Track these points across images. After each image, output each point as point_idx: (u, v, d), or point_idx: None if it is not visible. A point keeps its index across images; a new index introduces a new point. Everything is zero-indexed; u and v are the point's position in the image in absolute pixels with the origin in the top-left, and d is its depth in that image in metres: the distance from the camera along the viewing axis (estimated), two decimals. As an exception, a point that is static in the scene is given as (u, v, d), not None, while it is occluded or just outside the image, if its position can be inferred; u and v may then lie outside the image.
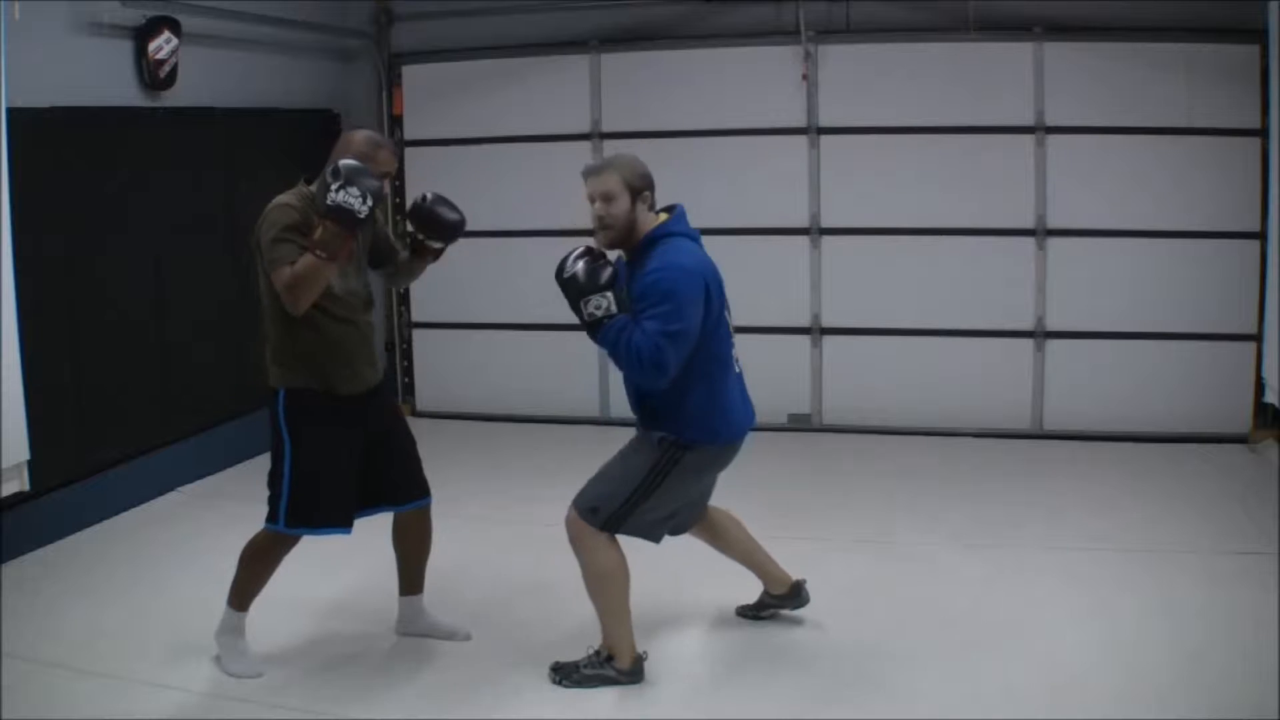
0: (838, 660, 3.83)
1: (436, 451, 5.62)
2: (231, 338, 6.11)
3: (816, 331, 6.80)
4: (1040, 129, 6.37)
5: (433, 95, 7.16)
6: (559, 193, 7.06)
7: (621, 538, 3.70)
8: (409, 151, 7.18)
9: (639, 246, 3.60)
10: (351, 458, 3.73)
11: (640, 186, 3.60)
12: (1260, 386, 5.89)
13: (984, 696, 3.58)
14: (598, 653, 3.73)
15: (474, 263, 7.18)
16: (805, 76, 6.58)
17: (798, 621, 4.12)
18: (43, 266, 4.85)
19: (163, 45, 5.58)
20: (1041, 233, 6.44)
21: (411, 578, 4.03)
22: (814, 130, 6.65)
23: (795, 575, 4.13)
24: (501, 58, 7.05)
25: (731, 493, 5.74)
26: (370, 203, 3.43)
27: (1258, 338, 5.98)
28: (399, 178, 7.09)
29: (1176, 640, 3.93)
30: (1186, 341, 6.34)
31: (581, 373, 7.13)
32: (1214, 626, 4.02)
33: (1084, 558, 4.69)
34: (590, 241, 3.65)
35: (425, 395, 7.43)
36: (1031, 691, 3.60)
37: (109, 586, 4.58)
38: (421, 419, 7.22)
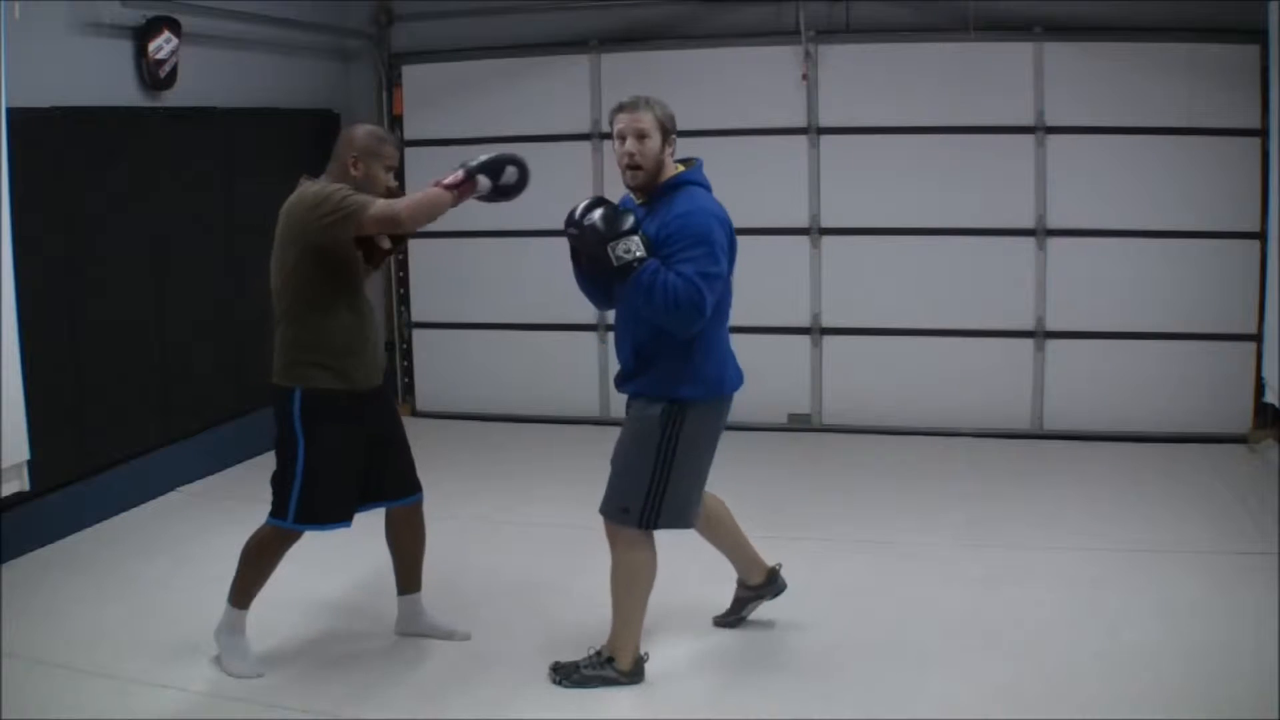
0: (838, 660, 3.83)
1: (436, 451, 5.64)
2: (231, 338, 6.12)
3: (816, 331, 6.80)
4: (1040, 129, 6.37)
5: (433, 95, 7.16)
6: (559, 193, 7.03)
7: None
8: (409, 151, 7.16)
9: (659, 190, 3.57)
10: (359, 454, 3.74)
11: (671, 129, 3.59)
12: (1260, 386, 5.89)
13: (984, 696, 3.58)
14: (598, 653, 3.72)
15: (474, 263, 7.20)
16: (805, 76, 6.58)
17: (798, 622, 4.11)
18: (43, 266, 4.85)
19: (163, 45, 5.58)
20: (1041, 233, 6.44)
21: (408, 575, 4.03)
22: (814, 130, 6.65)
23: (795, 575, 4.12)
24: (501, 58, 7.05)
25: (732, 493, 5.74)
26: (487, 191, 3.70)
27: (1258, 338, 5.98)
28: (399, 178, 7.08)
29: (1176, 640, 3.93)
30: (1186, 341, 6.34)
31: (581, 373, 7.13)
32: (1214, 626, 4.02)
33: (1084, 558, 4.69)
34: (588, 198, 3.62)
35: (425, 395, 7.43)
36: (1031, 691, 3.60)
37: (109, 586, 4.58)
38: (421, 419, 7.23)
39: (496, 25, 7.04)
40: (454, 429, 7.06)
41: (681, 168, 3.64)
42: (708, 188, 3.64)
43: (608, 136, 6.82)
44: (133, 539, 5.14)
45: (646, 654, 3.75)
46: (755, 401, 6.88)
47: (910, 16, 6.52)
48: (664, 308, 3.40)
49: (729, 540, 4.03)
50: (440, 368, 7.41)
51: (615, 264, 3.43)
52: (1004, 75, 6.38)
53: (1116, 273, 6.39)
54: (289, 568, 3.88)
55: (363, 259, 3.76)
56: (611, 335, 7.01)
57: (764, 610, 4.15)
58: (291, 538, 3.75)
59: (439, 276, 7.31)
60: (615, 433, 7.06)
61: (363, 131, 3.72)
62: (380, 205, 3.53)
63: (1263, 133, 5.94)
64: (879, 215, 6.64)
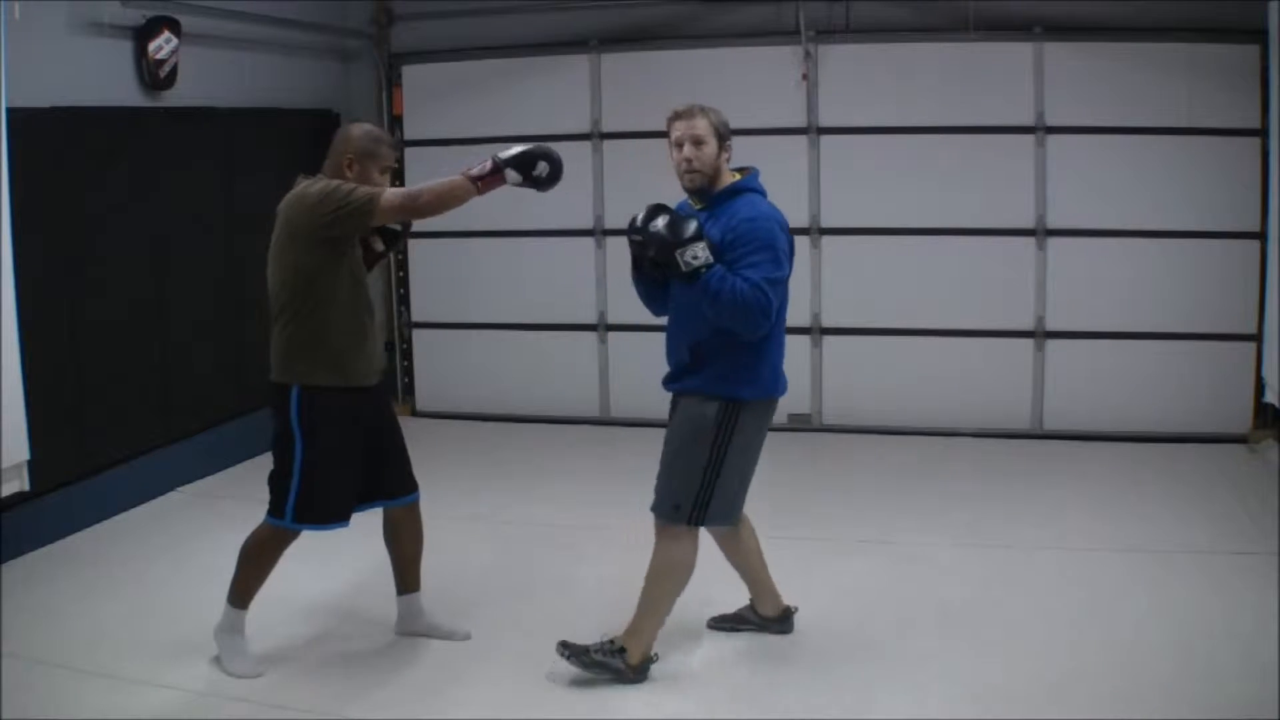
0: (838, 660, 3.83)
1: (436, 451, 5.64)
2: (231, 338, 6.12)
3: (816, 331, 6.80)
4: (1040, 129, 6.37)
5: (433, 95, 7.17)
6: (559, 193, 7.03)
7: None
8: (409, 151, 7.18)
9: (719, 196, 3.61)
10: (358, 453, 3.75)
11: (725, 135, 3.63)
12: (1260, 386, 5.89)
13: (984, 696, 3.58)
14: (611, 642, 3.72)
15: (474, 263, 7.20)
16: (805, 76, 6.58)
17: (798, 622, 4.11)
18: (43, 266, 4.85)
19: (163, 45, 5.58)
20: (1041, 233, 6.44)
21: (407, 575, 4.03)
22: (814, 130, 6.65)
23: (795, 575, 4.12)
24: (501, 58, 7.05)
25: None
26: (517, 179, 3.57)
27: (1258, 338, 5.98)
28: (399, 178, 7.09)
29: (1176, 640, 3.93)
30: (1186, 341, 6.34)
31: (581, 373, 7.13)
32: (1214, 626, 4.02)
33: (1084, 558, 4.70)
34: (641, 210, 3.61)
35: (425, 395, 7.43)
36: (1031, 691, 3.61)
37: (109, 586, 4.58)
38: (421, 419, 7.23)
39: (496, 25, 7.04)
40: (454, 429, 7.06)
41: (738, 175, 3.68)
42: (764, 194, 3.67)
43: (608, 136, 6.96)
44: (133, 539, 5.14)
45: (656, 655, 3.75)
46: (755, 401, 6.96)
47: (910, 16, 6.51)
48: (731, 312, 3.45)
49: (750, 562, 4.02)
50: (440, 368, 7.41)
51: (684, 269, 3.46)
52: (1004, 75, 6.38)
53: (1116, 273, 6.40)
54: (289, 568, 3.88)
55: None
56: (611, 335, 7.09)
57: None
58: (289, 537, 3.75)
59: (439, 276, 7.31)
60: (615, 433, 7.10)
61: (360, 131, 3.71)
62: (397, 191, 3.54)
63: (1263, 133, 5.94)
64: (879, 215, 6.64)
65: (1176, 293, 6.33)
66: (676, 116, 3.63)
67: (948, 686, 3.65)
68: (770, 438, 6.62)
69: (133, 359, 5.55)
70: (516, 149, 3.58)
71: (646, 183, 6.84)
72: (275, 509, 3.71)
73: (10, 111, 4.17)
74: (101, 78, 5.32)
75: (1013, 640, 3.97)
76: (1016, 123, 6.40)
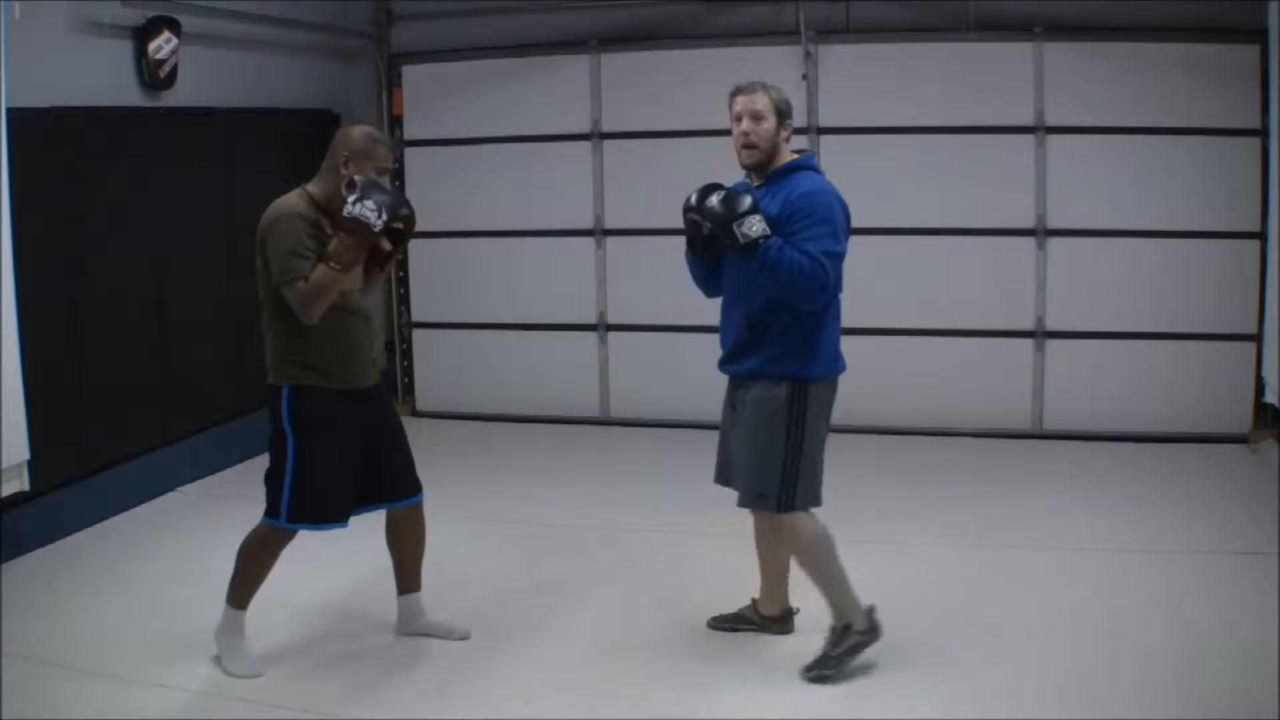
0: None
1: (436, 451, 5.64)
2: (231, 338, 6.11)
3: (816, 331, 6.79)
4: (1040, 129, 6.37)
5: (433, 95, 7.17)
6: (559, 193, 7.09)
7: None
8: (409, 151, 7.18)
9: (777, 172, 3.62)
10: (353, 453, 3.74)
11: (785, 114, 3.64)
12: (1260, 386, 5.89)
13: (984, 696, 3.58)
14: (833, 629, 3.72)
15: (474, 263, 7.21)
16: (805, 76, 6.58)
17: (797, 622, 4.11)
18: (43, 266, 4.85)
19: (163, 45, 5.58)
20: (1041, 233, 6.44)
21: (408, 576, 4.03)
22: (814, 130, 6.65)
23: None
24: (501, 58, 7.05)
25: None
26: (385, 216, 3.48)
27: (1258, 338, 5.98)
28: (399, 178, 7.09)
29: (1176, 640, 3.92)
30: (1186, 341, 6.34)
31: (581, 373, 7.13)
32: (1214, 626, 4.02)
33: (1084, 558, 4.69)
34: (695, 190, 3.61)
35: (425, 395, 7.43)
36: (1031, 691, 3.60)
37: (109, 586, 4.58)
38: (421, 419, 7.23)
39: (496, 25, 7.04)
40: (454, 429, 7.06)
41: (796, 155, 3.69)
42: (821, 174, 3.69)
43: (608, 136, 6.95)
44: (133, 539, 5.14)
45: (873, 606, 3.74)
46: (755, 401, 6.95)
47: (910, 16, 6.52)
48: (790, 283, 3.46)
49: (775, 566, 4.00)
50: (440, 368, 7.41)
51: (742, 241, 3.46)
52: (1004, 75, 6.38)
53: (1116, 273, 6.39)
54: (289, 568, 3.88)
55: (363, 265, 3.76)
56: (611, 335, 7.09)
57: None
58: (286, 537, 3.75)
59: (439, 276, 7.31)
60: (615, 433, 7.09)
61: (358, 132, 3.70)
62: (299, 289, 3.51)
63: (1263, 133, 5.94)
64: (879, 215, 6.62)
65: (1176, 293, 6.33)
66: (738, 91, 3.65)
67: (947, 686, 3.65)
68: (770, 438, 6.68)
69: (133, 359, 5.55)
70: (345, 208, 3.48)
71: (647, 183, 6.94)
72: (271, 509, 3.72)
73: (10, 111, 4.18)
74: (101, 78, 5.32)
75: (1012, 640, 3.96)
76: (1016, 123, 6.40)
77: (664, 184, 6.92)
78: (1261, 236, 5.95)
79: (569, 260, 7.09)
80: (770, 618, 4.04)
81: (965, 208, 6.51)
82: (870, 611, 3.73)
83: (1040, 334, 6.52)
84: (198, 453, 5.97)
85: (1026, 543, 4.90)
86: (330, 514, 3.73)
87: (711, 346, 6.84)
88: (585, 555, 4.88)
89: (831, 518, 5.27)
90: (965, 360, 6.62)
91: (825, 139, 6.64)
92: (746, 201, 3.49)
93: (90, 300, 5.25)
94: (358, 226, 3.46)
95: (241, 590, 3.78)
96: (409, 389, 7.46)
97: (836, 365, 3.69)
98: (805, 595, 4.08)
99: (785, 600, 4.05)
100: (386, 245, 3.77)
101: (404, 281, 7.37)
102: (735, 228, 3.46)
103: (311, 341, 3.62)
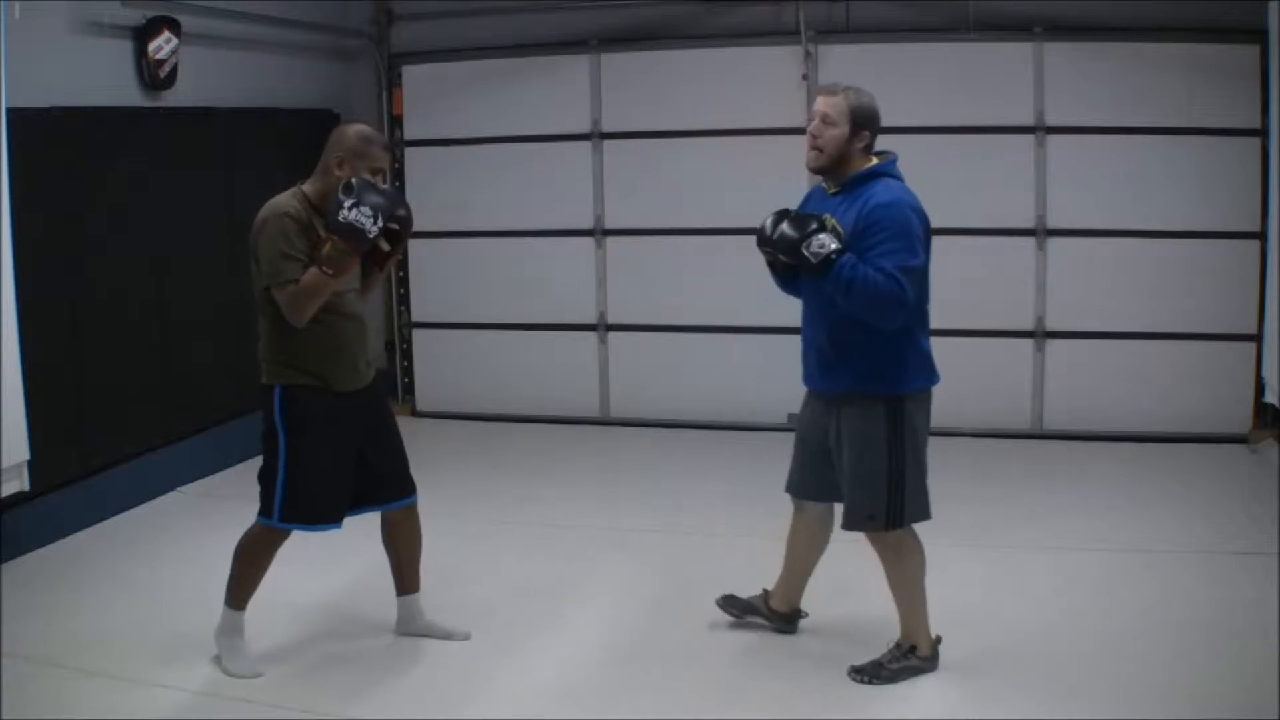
0: (836, 660, 3.82)
1: (436, 451, 5.65)
2: (231, 338, 6.10)
3: (816, 331, 6.79)
4: (1040, 129, 6.37)
5: (433, 95, 7.17)
6: (559, 193, 7.08)
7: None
8: (409, 151, 7.18)
9: (852, 180, 3.56)
10: (346, 454, 3.74)
11: (862, 122, 3.55)
12: (1260, 386, 5.88)
13: (984, 696, 3.58)
14: (899, 645, 3.70)
15: (474, 263, 7.20)
16: (805, 76, 6.58)
17: (801, 625, 4.11)
18: (43, 266, 4.84)
19: (163, 45, 5.58)
20: (1041, 233, 6.44)
21: (406, 576, 4.03)
22: (814, 130, 6.64)
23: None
24: (501, 58, 7.05)
25: (732, 493, 5.75)
26: (380, 222, 3.45)
27: (1258, 338, 5.97)
28: (398, 178, 7.09)
29: (1176, 640, 3.92)
30: (1186, 341, 6.34)
31: (581, 373, 7.13)
32: (1214, 626, 4.02)
33: (1084, 558, 4.69)
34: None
35: (425, 395, 7.43)
36: (1031, 691, 3.60)
37: (109, 586, 4.58)
38: (421, 419, 7.23)
39: (496, 25, 7.04)
40: (454, 429, 7.06)
41: (875, 160, 3.61)
42: (901, 180, 3.62)
43: (608, 136, 6.94)
44: (133, 539, 5.14)
45: (939, 637, 3.73)
46: (755, 401, 6.95)
47: (910, 16, 6.51)
48: (864, 301, 3.40)
49: (802, 561, 3.98)
50: (440, 368, 7.41)
51: (813, 261, 3.41)
52: (1004, 75, 6.38)
53: (1116, 273, 6.39)
54: (288, 568, 3.88)
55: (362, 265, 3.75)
56: (611, 335, 7.09)
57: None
58: (280, 536, 3.75)
59: (439, 276, 7.31)
60: (615, 433, 7.09)
61: (353, 131, 3.68)
62: (289, 291, 3.50)
63: (1263, 133, 5.94)
64: (879, 215, 6.64)
65: (1176, 293, 6.33)
66: (820, 91, 3.62)
67: (947, 686, 3.65)
68: (770, 438, 6.70)
69: (133, 359, 5.55)
70: (340, 213, 3.44)
71: (647, 183, 6.94)
72: (264, 508, 3.71)
73: (10, 111, 4.17)
74: (101, 78, 5.32)
75: (1012, 640, 3.96)
76: (1016, 123, 6.39)
77: (664, 184, 6.97)
78: (1261, 236, 5.95)
79: (569, 260, 7.09)
80: (778, 614, 4.03)
81: (965, 208, 6.49)
82: (936, 642, 3.72)
83: (1040, 334, 6.52)
84: (198, 453, 5.97)
85: (1026, 543, 4.90)
86: (323, 515, 3.73)
87: (712, 346, 6.90)
88: (585, 555, 4.88)
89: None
90: (965, 360, 6.59)
91: (825, 139, 6.63)
92: (811, 223, 3.44)
93: (90, 300, 5.25)
94: (351, 232, 3.43)
95: (239, 591, 3.78)
96: (409, 389, 7.46)
97: (931, 377, 3.64)
98: (781, 556, 4.06)
99: (797, 601, 4.04)
100: (385, 246, 3.76)
101: (404, 281, 7.37)
102: (804, 249, 3.41)
103: (301, 343, 3.61)
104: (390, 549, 4.01)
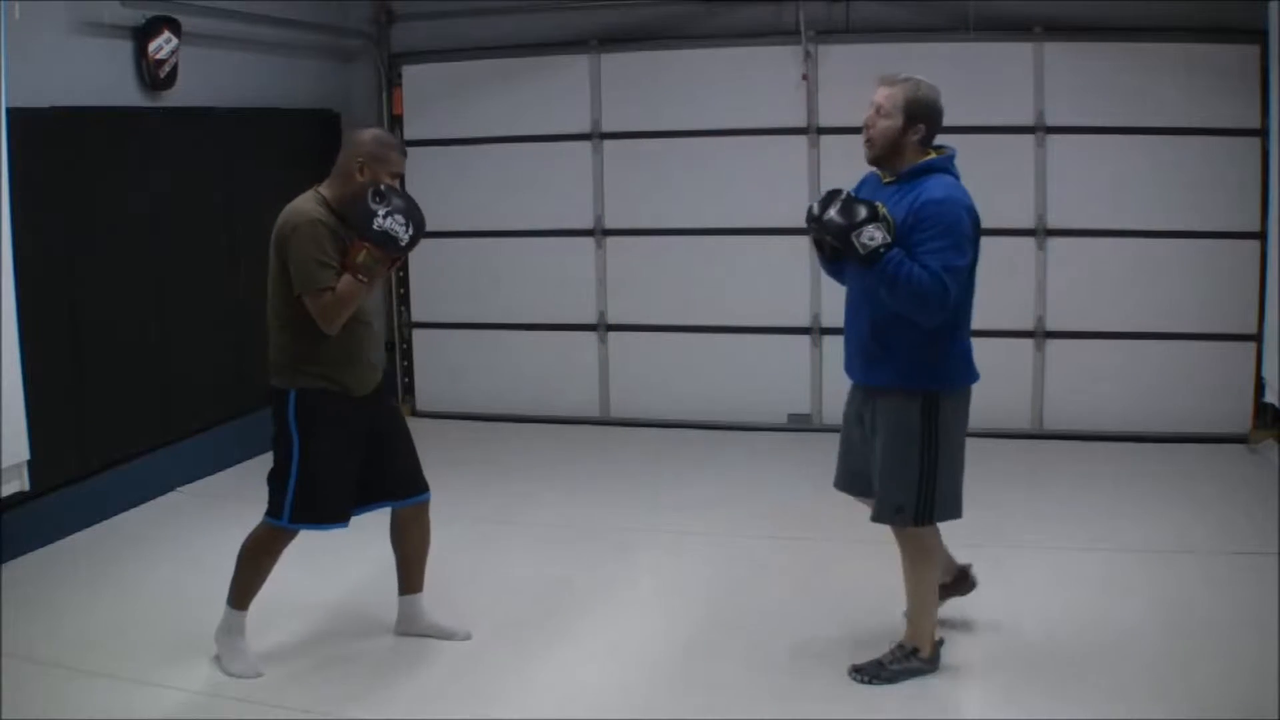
0: (837, 660, 3.82)
1: (436, 451, 5.62)
2: (232, 338, 6.11)
3: (816, 331, 6.79)
4: (1040, 129, 6.37)
5: (433, 95, 7.17)
6: (559, 193, 7.08)
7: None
8: (409, 151, 7.16)
9: (908, 173, 3.54)
10: (355, 455, 3.75)
11: (918, 116, 3.53)
12: (1260, 386, 5.89)
13: (984, 696, 3.58)
14: (901, 646, 3.70)
15: (474, 263, 7.20)
16: (805, 76, 6.58)
17: (797, 621, 4.12)
18: (43, 266, 4.85)
19: (163, 45, 5.58)
20: (1041, 233, 6.44)
21: (411, 576, 4.03)
22: (814, 130, 6.65)
23: (795, 576, 4.12)
24: (501, 58, 7.05)
25: (732, 493, 5.75)
26: (413, 231, 3.47)
27: (1258, 338, 5.98)
28: (399, 180, 7.08)
29: (1176, 640, 3.92)
30: (1186, 341, 6.34)
31: (581, 373, 7.13)
32: (1214, 626, 4.02)
33: (1084, 558, 4.70)
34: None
35: (425, 395, 7.43)
36: (1031, 691, 3.60)
37: (109, 587, 4.58)
38: (421, 419, 7.23)
39: (496, 25, 7.04)
40: (454, 429, 7.06)
41: (931, 154, 3.60)
42: (958, 177, 3.60)
43: (608, 136, 6.94)
44: (133, 539, 5.14)
45: (942, 639, 3.73)
46: (755, 401, 6.96)
47: (910, 16, 6.51)
48: (907, 299, 3.39)
49: None
50: (440, 368, 7.41)
51: (862, 252, 3.40)
52: (1004, 75, 6.38)
53: (1116, 273, 6.39)
54: (289, 569, 3.88)
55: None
56: (611, 335, 7.09)
57: (758, 610, 4.14)
58: (287, 537, 3.75)
59: (439, 276, 7.30)
60: (615, 433, 7.09)
61: (370, 136, 3.69)
62: (322, 303, 3.51)
63: (1263, 133, 5.94)
64: (879, 215, 6.64)
65: (1176, 293, 6.33)
66: (880, 81, 3.60)
67: (947, 685, 3.65)
68: (770, 438, 6.70)
69: (133, 359, 5.54)
70: (374, 220, 3.47)
71: (647, 183, 6.94)
72: (273, 509, 3.72)
73: (10, 111, 4.18)
74: (101, 78, 5.32)
75: (1011, 640, 3.96)
76: (1016, 123, 6.39)
77: (664, 184, 6.97)
78: (1261, 236, 5.95)
79: (569, 260, 7.09)
80: (950, 585, 3.99)
81: (965, 208, 6.50)
82: (938, 644, 3.72)
83: (1040, 334, 6.52)
84: (198, 453, 5.97)
85: (1025, 543, 4.90)
86: (332, 514, 3.74)
87: (712, 346, 6.89)
88: (585, 555, 4.88)
89: (832, 517, 5.29)
90: (965, 360, 6.61)
91: (825, 139, 6.63)
92: (864, 210, 3.42)
93: (90, 300, 5.25)
94: (386, 240, 3.46)
95: (241, 591, 3.78)
96: (409, 389, 7.46)
97: (970, 375, 3.63)
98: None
99: (953, 562, 4.00)
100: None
101: (404, 281, 7.38)
102: (854, 238, 3.39)
103: (318, 348, 3.61)
104: (398, 546, 4.01)
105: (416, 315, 7.42)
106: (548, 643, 4.01)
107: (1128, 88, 6.24)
